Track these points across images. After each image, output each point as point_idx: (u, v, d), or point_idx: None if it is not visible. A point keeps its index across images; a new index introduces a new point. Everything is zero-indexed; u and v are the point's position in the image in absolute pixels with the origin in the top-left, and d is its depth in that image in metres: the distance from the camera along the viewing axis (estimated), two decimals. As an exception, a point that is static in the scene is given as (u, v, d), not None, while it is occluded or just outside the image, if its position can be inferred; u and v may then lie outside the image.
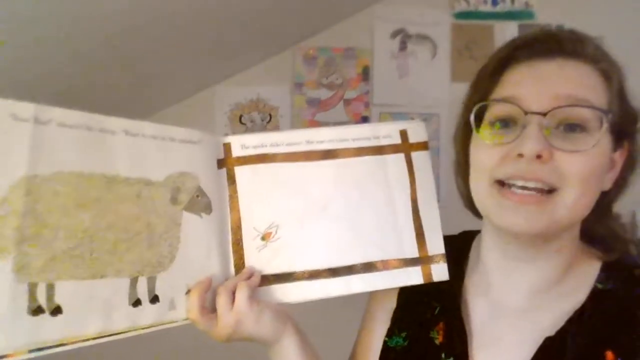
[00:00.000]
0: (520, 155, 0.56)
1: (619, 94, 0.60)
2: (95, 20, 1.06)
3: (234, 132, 1.72)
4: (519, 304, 0.64)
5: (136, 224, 0.61)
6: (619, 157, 0.62)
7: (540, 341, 0.60)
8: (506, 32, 1.69)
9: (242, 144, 0.71)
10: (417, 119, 1.71)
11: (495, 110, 0.61)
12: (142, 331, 0.61)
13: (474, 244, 0.74)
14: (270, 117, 1.74)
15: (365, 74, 1.74)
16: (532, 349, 0.60)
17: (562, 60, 0.59)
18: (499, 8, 1.72)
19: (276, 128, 1.74)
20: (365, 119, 1.73)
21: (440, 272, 0.71)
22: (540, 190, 0.57)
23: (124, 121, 0.62)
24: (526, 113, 0.57)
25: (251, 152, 0.71)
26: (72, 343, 0.55)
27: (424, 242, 0.72)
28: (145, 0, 1.10)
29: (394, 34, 1.74)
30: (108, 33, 1.14)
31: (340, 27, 1.73)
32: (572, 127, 0.56)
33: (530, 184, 0.57)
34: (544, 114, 0.56)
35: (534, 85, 0.58)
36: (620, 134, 0.60)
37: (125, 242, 0.60)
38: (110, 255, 0.59)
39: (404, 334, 0.70)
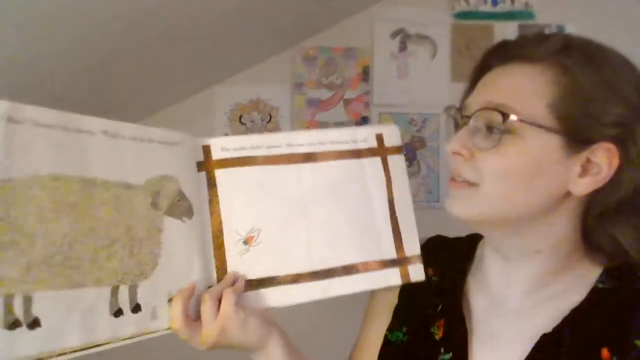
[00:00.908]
0: None
1: (578, 92, 0.58)
2: (94, 20, 1.06)
3: (234, 132, 1.72)
4: (516, 302, 0.65)
5: (116, 230, 0.58)
6: (604, 160, 0.58)
7: (537, 338, 0.61)
8: (506, 32, 1.67)
9: (222, 146, 0.70)
10: (418, 119, 1.70)
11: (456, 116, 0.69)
12: (123, 342, 0.58)
13: (480, 244, 0.75)
14: (270, 117, 1.73)
15: (365, 74, 1.72)
16: (529, 345, 0.61)
17: (507, 65, 0.64)
18: (499, 8, 1.70)
19: (276, 128, 1.73)
20: (365, 119, 1.71)
21: (417, 273, 0.73)
22: (468, 182, 0.63)
23: (102, 121, 0.58)
24: (462, 117, 0.66)
25: (232, 154, 0.70)
26: (52, 357, 0.52)
27: (401, 244, 0.73)
28: (145, 0, 1.09)
29: (394, 34, 1.72)
30: (107, 33, 1.14)
31: (340, 27, 1.72)
32: (490, 128, 0.61)
33: (459, 179, 0.64)
34: (469, 117, 0.63)
35: (476, 93, 0.66)
36: (582, 134, 0.58)
37: (106, 249, 0.57)
38: (91, 263, 0.55)
39: (404, 329, 0.71)
